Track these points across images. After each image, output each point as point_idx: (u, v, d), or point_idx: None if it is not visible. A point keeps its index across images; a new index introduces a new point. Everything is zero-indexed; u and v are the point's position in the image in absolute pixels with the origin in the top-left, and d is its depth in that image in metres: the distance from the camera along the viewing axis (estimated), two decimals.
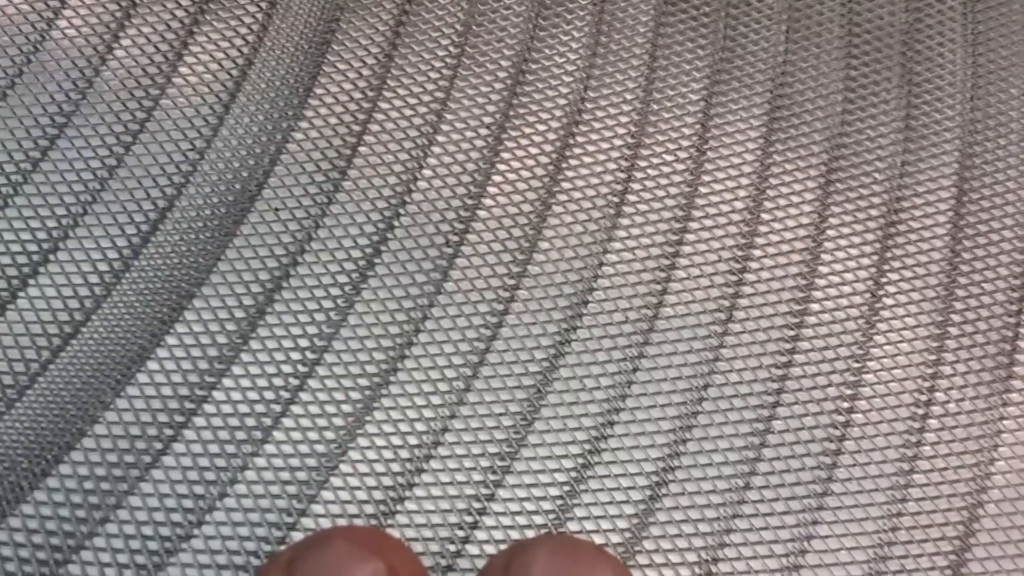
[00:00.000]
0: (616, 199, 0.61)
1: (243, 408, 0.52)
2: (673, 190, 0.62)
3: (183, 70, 0.62)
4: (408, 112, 0.63)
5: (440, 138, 0.63)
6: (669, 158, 0.63)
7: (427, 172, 0.61)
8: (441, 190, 0.61)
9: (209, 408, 0.52)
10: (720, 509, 0.51)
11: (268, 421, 0.52)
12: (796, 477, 0.52)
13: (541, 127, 0.64)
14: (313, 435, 0.52)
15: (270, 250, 0.57)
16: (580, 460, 0.52)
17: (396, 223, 0.59)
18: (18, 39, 0.62)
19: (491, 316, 0.56)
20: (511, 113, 0.64)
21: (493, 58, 0.66)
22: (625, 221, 0.61)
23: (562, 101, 0.65)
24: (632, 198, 0.62)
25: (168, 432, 0.51)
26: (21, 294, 0.54)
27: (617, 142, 0.63)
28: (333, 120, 0.62)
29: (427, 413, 0.53)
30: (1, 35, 0.62)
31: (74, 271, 0.55)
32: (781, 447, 0.53)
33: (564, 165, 0.63)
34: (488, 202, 0.61)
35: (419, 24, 0.66)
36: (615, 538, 0.50)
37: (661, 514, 0.51)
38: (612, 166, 0.63)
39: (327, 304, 0.56)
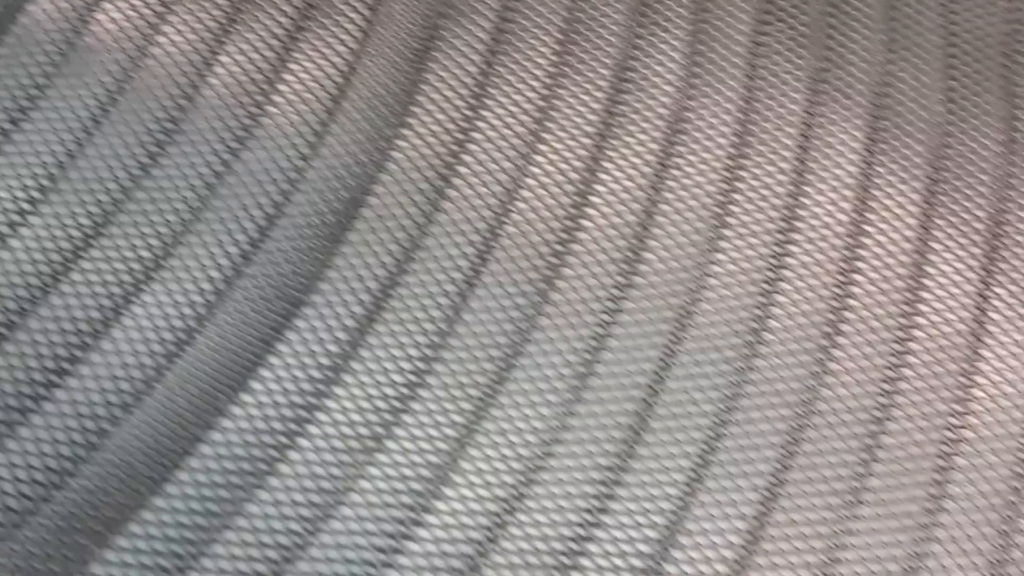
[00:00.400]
0: (718, 210, 0.61)
1: (355, 417, 0.52)
2: (776, 201, 0.62)
3: (287, 77, 0.63)
4: (509, 120, 0.64)
5: (541, 147, 0.63)
6: (770, 168, 0.63)
7: (530, 181, 0.62)
8: (544, 199, 0.61)
9: (321, 416, 0.52)
10: (832, 525, 0.51)
11: (380, 430, 0.52)
12: (907, 494, 0.52)
13: (642, 136, 0.64)
14: (425, 445, 0.52)
15: (377, 258, 0.57)
16: (690, 474, 0.52)
17: (500, 232, 0.60)
18: (120, 51, 0.62)
19: (598, 327, 0.57)
20: (611, 123, 0.64)
21: (592, 66, 0.66)
22: (727, 232, 0.61)
23: (663, 111, 0.64)
24: (734, 209, 0.62)
25: (283, 440, 0.51)
26: (135, 299, 0.54)
27: (718, 152, 0.63)
28: (436, 128, 0.62)
29: (536, 424, 0.53)
30: (103, 47, 0.62)
31: (186, 278, 0.55)
32: (891, 463, 0.53)
33: (665, 175, 0.63)
34: (591, 212, 0.61)
35: (517, 32, 0.66)
36: (727, 553, 0.50)
37: (771, 529, 0.51)
38: (713, 176, 0.63)
39: (435, 313, 0.56)
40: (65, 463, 0.48)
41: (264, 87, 0.62)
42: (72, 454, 0.49)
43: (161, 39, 0.63)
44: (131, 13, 0.63)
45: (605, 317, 0.57)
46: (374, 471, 0.51)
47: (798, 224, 0.61)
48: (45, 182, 0.57)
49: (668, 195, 0.62)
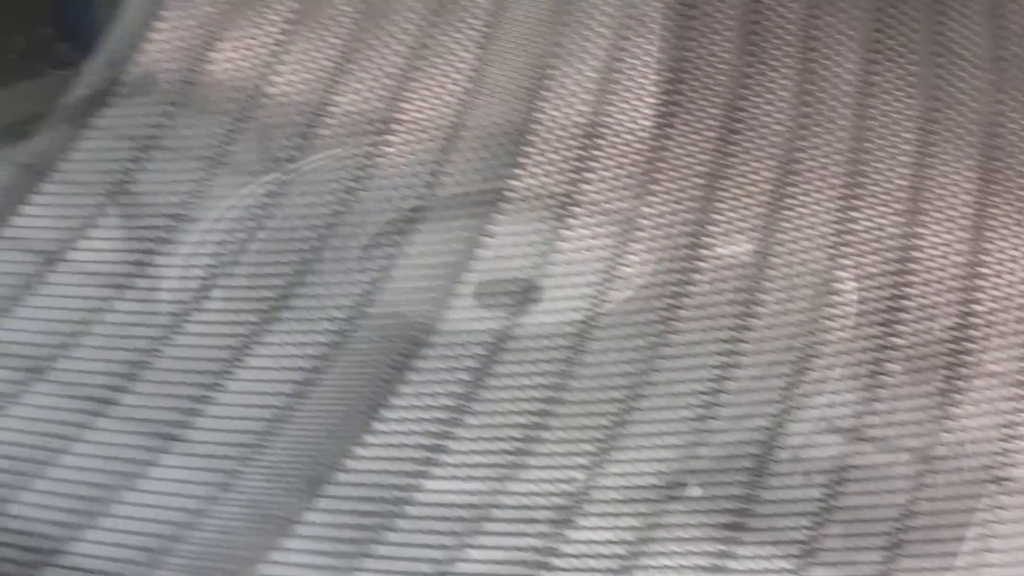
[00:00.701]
0: (833, 251, 0.61)
1: (479, 459, 0.52)
2: (890, 242, 0.62)
3: (401, 117, 0.63)
4: (621, 159, 0.64)
5: (654, 187, 0.63)
6: (883, 209, 0.63)
7: (644, 222, 0.62)
8: (658, 239, 0.61)
9: (438, 471, 0.52)
10: None
11: (504, 471, 0.52)
12: None
13: (754, 176, 0.64)
14: (548, 487, 0.52)
15: (496, 299, 0.58)
16: (814, 518, 0.52)
17: (617, 273, 0.60)
18: (237, 91, 0.63)
19: (716, 370, 0.56)
20: (723, 163, 0.64)
21: (702, 106, 0.66)
22: (842, 274, 0.61)
23: (774, 151, 0.64)
24: (848, 250, 0.61)
25: (408, 481, 0.51)
26: (257, 340, 0.55)
27: (831, 192, 0.63)
28: (549, 167, 0.63)
29: (659, 467, 0.53)
30: (220, 87, 0.63)
31: (308, 318, 0.56)
32: (1014, 524, 0.52)
33: (778, 216, 0.62)
34: (705, 252, 0.61)
35: (626, 71, 0.67)
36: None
37: None
38: (827, 217, 0.62)
39: (555, 354, 0.56)
40: (197, 503, 0.49)
41: (379, 126, 0.63)
42: (204, 494, 0.49)
43: (276, 79, 0.63)
44: (247, 52, 0.64)
45: (723, 359, 0.57)
46: (498, 513, 0.51)
47: (913, 265, 0.61)
48: (170, 222, 0.57)
49: (782, 236, 0.62)
